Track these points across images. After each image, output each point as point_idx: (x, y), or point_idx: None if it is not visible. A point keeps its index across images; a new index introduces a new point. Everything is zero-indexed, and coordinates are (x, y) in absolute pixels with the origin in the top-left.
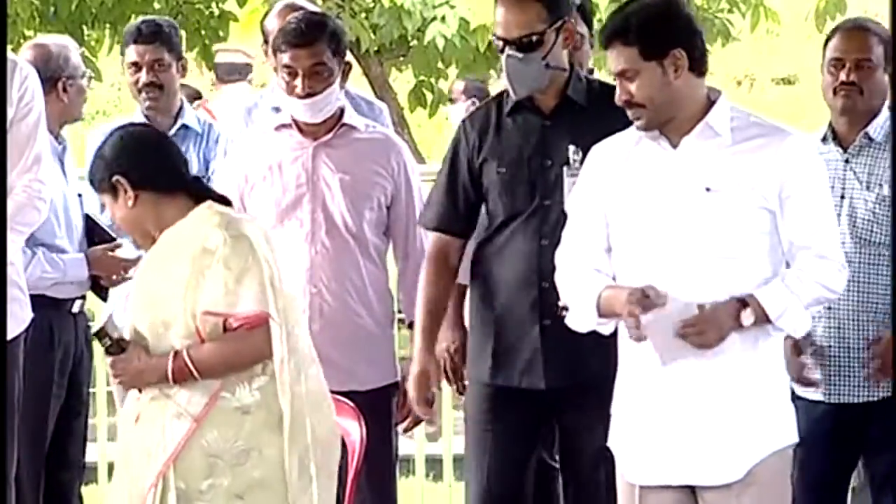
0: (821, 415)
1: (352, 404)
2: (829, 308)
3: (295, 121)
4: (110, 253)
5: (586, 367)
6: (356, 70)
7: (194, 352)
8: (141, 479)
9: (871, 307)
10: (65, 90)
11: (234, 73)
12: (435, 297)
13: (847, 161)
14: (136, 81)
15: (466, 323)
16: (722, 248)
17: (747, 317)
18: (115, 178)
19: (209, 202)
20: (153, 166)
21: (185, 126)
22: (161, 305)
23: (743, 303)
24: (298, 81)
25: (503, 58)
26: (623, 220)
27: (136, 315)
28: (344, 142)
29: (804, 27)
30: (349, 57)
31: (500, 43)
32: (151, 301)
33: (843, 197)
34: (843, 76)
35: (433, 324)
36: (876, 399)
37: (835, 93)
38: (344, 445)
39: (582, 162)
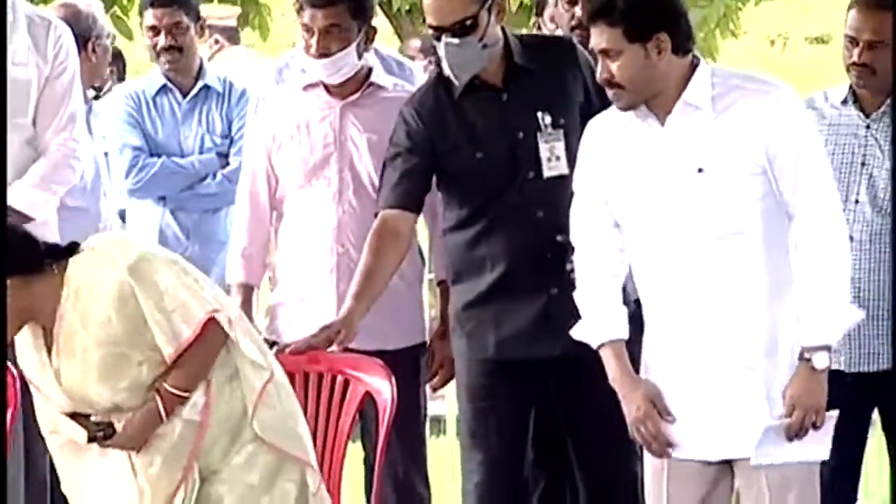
0: (840, 384)
1: (381, 363)
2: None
3: (322, 80)
4: None
5: None
6: (388, 30)
7: (172, 381)
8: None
9: (890, 276)
10: (93, 50)
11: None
12: (379, 268)
13: (868, 127)
14: (155, 45)
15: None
16: (720, 228)
17: (822, 361)
18: None
19: (68, 260)
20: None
21: (206, 86)
22: (118, 369)
23: (805, 359)
24: (314, 41)
25: (440, 46)
26: (621, 201)
27: (94, 391)
28: (371, 101)
29: None
30: (380, 17)
31: (434, 31)
32: (105, 371)
33: (863, 164)
34: (855, 56)
35: (370, 290)
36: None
37: (848, 70)
38: (375, 404)
39: (553, 125)
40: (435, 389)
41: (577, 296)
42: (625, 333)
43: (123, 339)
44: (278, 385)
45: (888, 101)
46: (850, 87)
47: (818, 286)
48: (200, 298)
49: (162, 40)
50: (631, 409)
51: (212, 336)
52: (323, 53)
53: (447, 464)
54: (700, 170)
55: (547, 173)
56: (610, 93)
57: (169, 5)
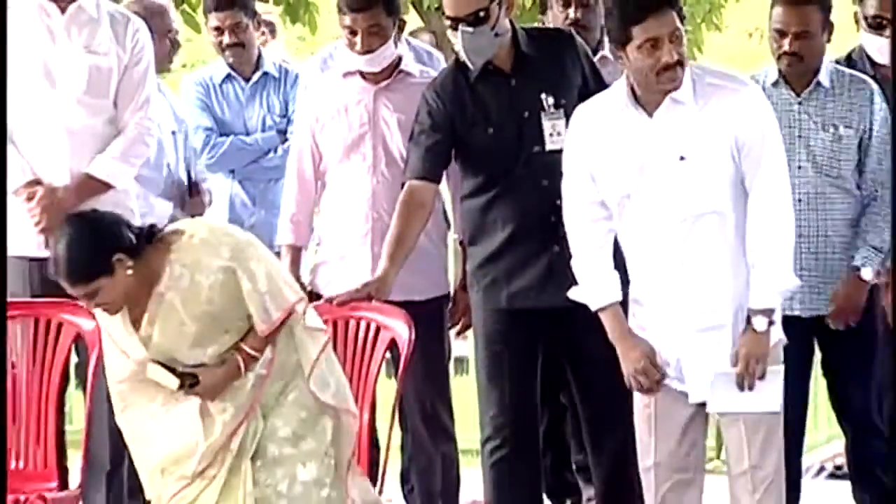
0: (798, 326)
1: (403, 311)
2: (799, 236)
3: (359, 69)
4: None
5: None
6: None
7: (251, 343)
8: (231, 423)
9: (832, 231)
10: (164, 42)
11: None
12: (407, 233)
13: (800, 104)
14: (220, 43)
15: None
16: (698, 208)
17: (760, 324)
18: (115, 256)
19: (162, 238)
20: (131, 234)
21: (265, 73)
22: (210, 338)
23: (749, 321)
24: (358, 40)
25: (458, 34)
26: (608, 182)
27: (183, 355)
28: (401, 86)
29: None
30: (411, 12)
31: (451, 21)
32: (198, 341)
33: (800, 136)
34: (785, 46)
35: (401, 251)
36: (825, 313)
37: (778, 59)
38: (397, 347)
39: (555, 105)
40: (458, 334)
41: (574, 264)
42: (618, 296)
43: (220, 316)
44: (328, 348)
45: (815, 80)
46: (779, 70)
47: (762, 258)
48: (287, 284)
49: (226, 39)
50: (629, 364)
51: (292, 315)
52: (367, 51)
53: (471, 399)
54: (682, 157)
55: (549, 147)
56: (673, 73)
57: (229, 8)
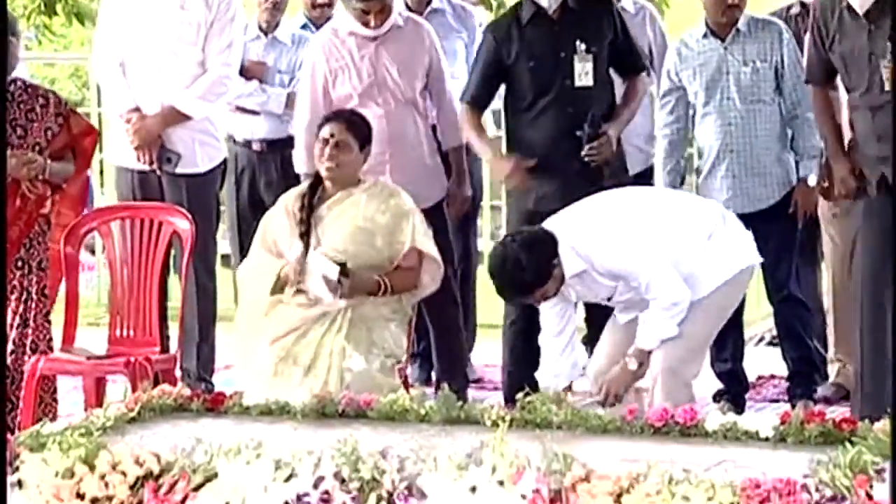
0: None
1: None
2: (731, 151)
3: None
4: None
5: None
6: None
7: (393, 281)
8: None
9: (758, 145)
10: None
11: None
12: (480, 139)
13: (726, 49)
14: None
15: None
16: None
17: (633, 364)
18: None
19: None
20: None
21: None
22: (367, 260)
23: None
24: (370, 19)
25: None
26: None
27: (356, 249)
28: (395, 36)
29: None
30: None
31: None
32: (372, 241)
33: (727, 73)
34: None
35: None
36: (754, 210)
37: (722, 13)
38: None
39: (586, 50)
40: (457, 220)
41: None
42: (565, 383)
43: (380, 246)
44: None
45: (735, 27)
46: (705, 23)
47: (654, 308)
48: (430, 239)
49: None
50: None
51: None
52: (379, 26)
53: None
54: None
55: (577, 84)
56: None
57: None
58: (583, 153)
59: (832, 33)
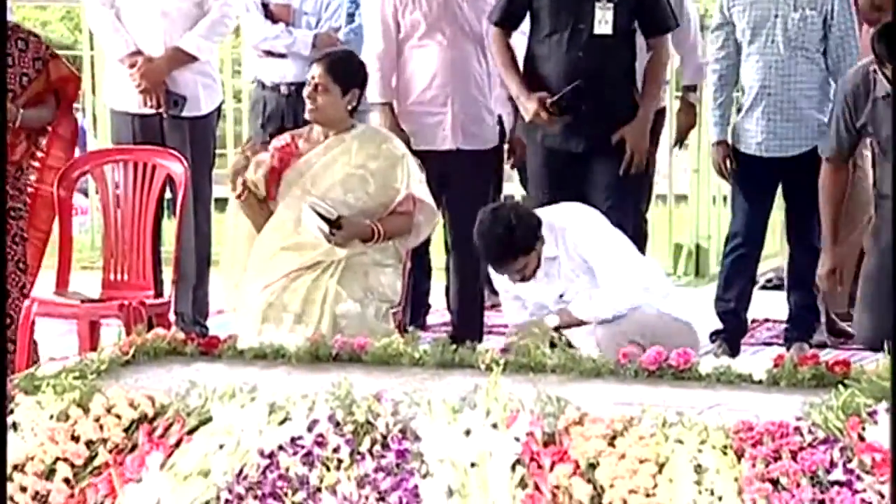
0: (759, 165)
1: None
2: (769, 94)
3: None
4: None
5: (612, 131)
6: None
7: (385, 227)
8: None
9: (795, 91)
10: None
11: None
12: (504, 53)
13: None
14: None
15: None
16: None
17: (553, 321)
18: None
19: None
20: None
21: None
22: (375, 195)
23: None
24: None
25: None
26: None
27: (346, 196)
28: None
29: None
30: None
31: None
32: (365, 187)
33: (776, 15)
34: None
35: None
36: (786, 155)
37: None
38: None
39: (608, 0)
40: (513, 167)
41: None
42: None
43: (373, 192)
44: None
45: None
46: None
47: (602, 285)
48: (423, 184)
49: None
50: None
51: (413, 215)
52: None
53: None
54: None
55: (596, 31)
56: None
57: None
58: (621, 169)
59: (863, 118)
